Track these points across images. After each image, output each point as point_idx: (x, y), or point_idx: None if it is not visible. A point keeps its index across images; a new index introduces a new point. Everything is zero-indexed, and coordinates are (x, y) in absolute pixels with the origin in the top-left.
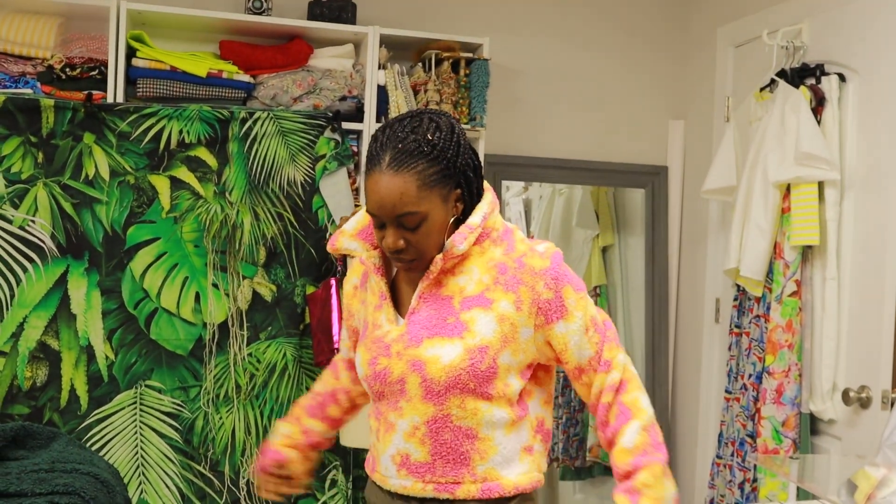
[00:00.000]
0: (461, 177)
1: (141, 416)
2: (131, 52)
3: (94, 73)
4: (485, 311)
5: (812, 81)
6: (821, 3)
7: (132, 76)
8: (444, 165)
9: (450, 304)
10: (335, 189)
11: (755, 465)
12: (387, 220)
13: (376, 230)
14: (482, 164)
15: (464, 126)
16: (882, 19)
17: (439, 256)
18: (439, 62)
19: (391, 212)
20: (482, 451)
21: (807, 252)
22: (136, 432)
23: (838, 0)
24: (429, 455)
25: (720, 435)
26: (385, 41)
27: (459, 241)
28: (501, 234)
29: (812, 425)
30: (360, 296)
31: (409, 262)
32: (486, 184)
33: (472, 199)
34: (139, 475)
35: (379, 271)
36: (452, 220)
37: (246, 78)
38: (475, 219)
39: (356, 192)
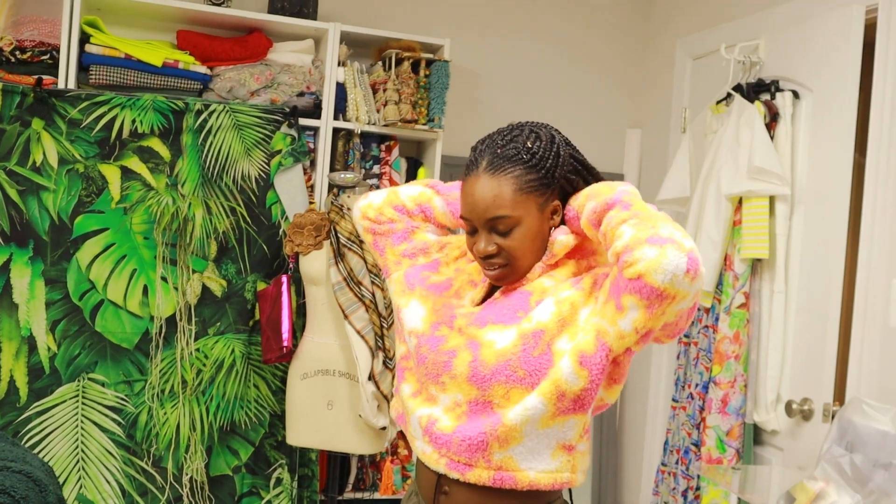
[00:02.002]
0: (560, 188)
1: (83, 409)
2: (85, 38)
3: (45, 57)
4: (546, 297)
5: (767, 97)
6: (778, 21)
7: (85, 62)
8: (542, 175)
9: (527, 301)
10: (290, 185)
11: (699, 474)
12: (479, 224)
13: (468, 238)
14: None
15: (421, 127)
16: (835, 39)
17: (542, 262)
18: (399, 62)
19: (483, 214)
20: (503, 438)
21: (756, 265)
22: (77, 426)
23: (795, 18)
24: (452, 429)
25: (666, 443)
26: (345, 38)
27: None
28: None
29: (755, 436)
30: (460, 262)
31: (500, 269)
32: None
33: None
34: (79, 470)
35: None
36: (552, 230)
37: (202, 69)
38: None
39: (311, 189)
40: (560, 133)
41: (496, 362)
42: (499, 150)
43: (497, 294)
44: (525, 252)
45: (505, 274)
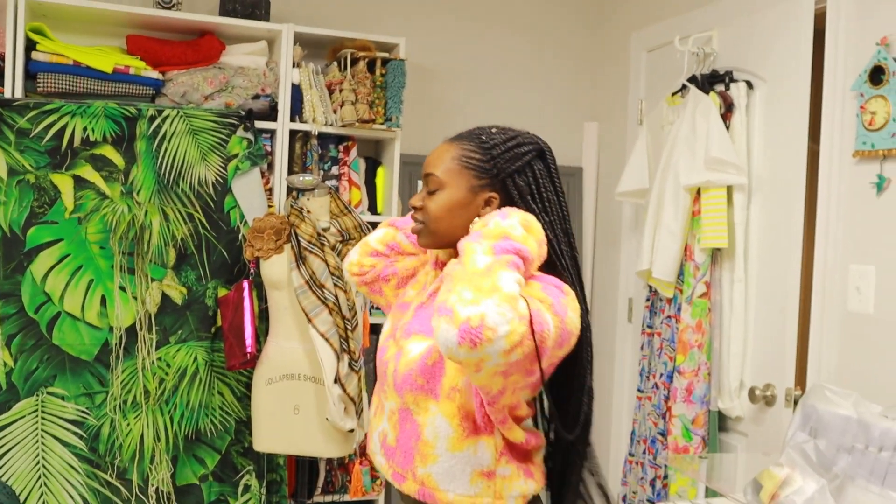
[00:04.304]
0: (502, 184)
1: (43, 424)
2: (31, 45)
3: None
4: None
5: (721, 88)
6: (730, 13)
7: (32, 70)
8: (486, 159)
9: None
10: (248, 189)
11: (666, 464)
12: (421, 178)
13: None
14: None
15: (378, 126)
16: (786, 30)
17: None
18: (355, 61)
19: (424, 168)
20: (423, 454)
21: (716, 254)
22: (37, 441)
23: (746, 10)
24: (395, 441)
25: (632, 433)
26: (299, 39)
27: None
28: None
29: (720, 422)
30: (429, 271)
31: (418, 225)
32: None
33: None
34: (41, 486)
35: (438, 265)
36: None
37: (154, 74)
38: None
39: (269, 192)
40: (544, 149)
41: (405, 371)
42: (472, 130)
43: (425, 299)
44: (439, 217)
45: (419, 231)
